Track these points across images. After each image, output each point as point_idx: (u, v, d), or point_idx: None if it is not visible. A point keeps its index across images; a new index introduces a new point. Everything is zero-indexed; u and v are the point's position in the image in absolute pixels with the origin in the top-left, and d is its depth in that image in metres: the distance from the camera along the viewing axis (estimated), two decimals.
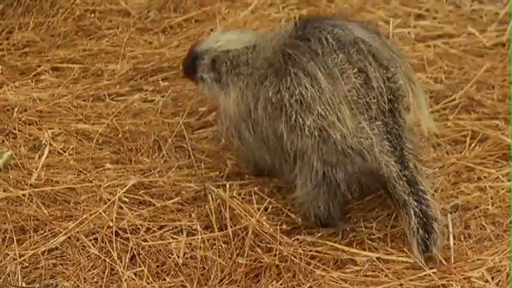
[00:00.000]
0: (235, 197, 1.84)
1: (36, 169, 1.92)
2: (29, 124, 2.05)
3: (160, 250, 1.73)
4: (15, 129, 2.03)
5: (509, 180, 1.90)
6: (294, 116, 1.73)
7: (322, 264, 1.71)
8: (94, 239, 1.76)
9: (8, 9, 2.38)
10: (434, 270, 1.69)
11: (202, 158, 1.95)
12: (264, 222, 1.77)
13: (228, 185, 1.86)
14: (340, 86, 1.72)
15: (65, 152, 1.97)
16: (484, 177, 1.91)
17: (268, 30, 2.03)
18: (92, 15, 2.39)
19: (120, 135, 2.01)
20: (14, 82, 2.17)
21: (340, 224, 1.83)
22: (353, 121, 1.72)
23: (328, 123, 1.72)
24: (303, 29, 1.78)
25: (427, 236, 1.73)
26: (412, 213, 1.73)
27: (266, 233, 1.75)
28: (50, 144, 1.99)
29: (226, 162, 1.95)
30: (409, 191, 1.74)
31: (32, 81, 2.19)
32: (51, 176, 1.91)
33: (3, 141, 2.01)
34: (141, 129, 2.03)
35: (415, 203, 1.73)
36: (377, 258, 1.73)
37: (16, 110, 2.08)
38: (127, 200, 1.84)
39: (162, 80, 2.15)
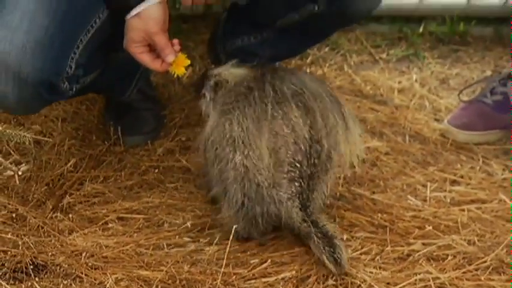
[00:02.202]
0: None
1: None
2: (95, 269, 2.12)
3: None
4: (82, 273, 2.10)
5: None
6: (226, 150, 2.07)
7: None
8: None
9: (81, 163, 2.52)
10: None
11: None
12: None
13: None
14: (271, 140, 2.04)
15: None
16: None
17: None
18: (156, 170, 2.52)
19: (177, 282, 2.08)
20: (83, 229, 2.27)
21: (261, 238, 2.17)
22: (275, 176, 2.04)
23: (253, 167, 2.04)
24: (262, 75, 2.12)
25: (332, 250, 2.03)
26: (316, 237, 2.05)
27: None
28: None
29: None
30: (310, 226, 2.06)
31: (99, 229, 2.27)
32: None
33: (70, 284, 2.08)
34: (197, 277, 2.09)
35: (317, 230, 2.06)
36: None
37: (84, 255, 2.16)
38: None
39: (216, 233, 2.25)
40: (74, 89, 2.25)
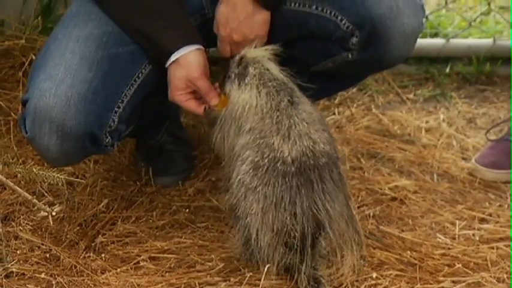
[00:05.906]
0: None
1: None
2: None
3: None
4: None
5: None
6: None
7: None
8: None
9: (113, 203, 2.57)
10: None
11: None
12: None
13: None
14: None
15: None
16: None
17: None
18: (187, 210, 2.55)
19: None
20: (115, 269, 2.29)
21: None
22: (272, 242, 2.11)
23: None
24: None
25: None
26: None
27: None
28: None
29: None
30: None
31: (131, 269, 2.29)
32: None
33: None
34: None
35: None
36: None
37: None
38: None
39: (247, 272, 2.25)
40: (115, 146, 2.33)
